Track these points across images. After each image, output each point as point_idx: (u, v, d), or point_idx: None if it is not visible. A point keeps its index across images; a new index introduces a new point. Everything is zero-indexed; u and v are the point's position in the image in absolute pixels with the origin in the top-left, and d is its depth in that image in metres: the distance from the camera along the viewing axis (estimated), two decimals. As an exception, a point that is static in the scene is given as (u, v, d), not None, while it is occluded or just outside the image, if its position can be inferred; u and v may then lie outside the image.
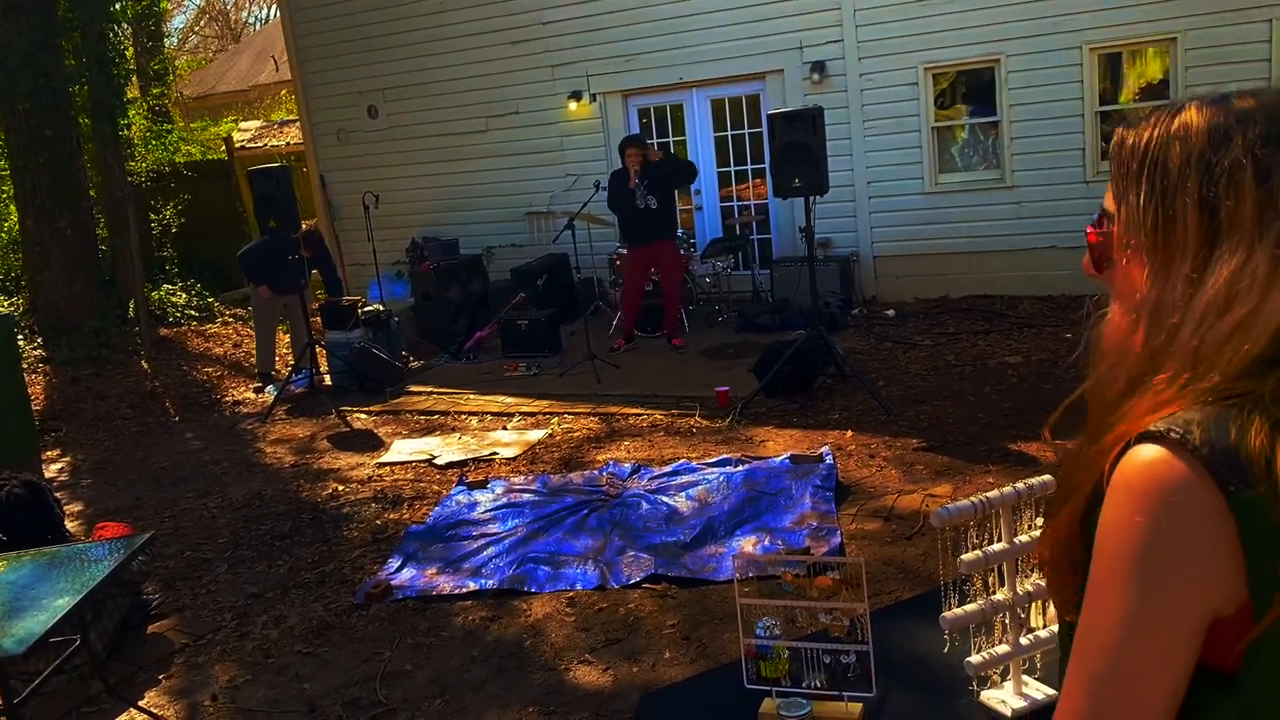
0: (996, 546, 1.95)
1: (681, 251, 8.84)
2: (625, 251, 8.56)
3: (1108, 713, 0.88)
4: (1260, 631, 0.83)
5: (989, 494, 1.94)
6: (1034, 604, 2.01)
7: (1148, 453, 0.86)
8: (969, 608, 1.94)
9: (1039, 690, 1.95)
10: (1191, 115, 0.92)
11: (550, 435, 6.54)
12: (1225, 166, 0.88)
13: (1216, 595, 0.85)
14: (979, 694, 1.96)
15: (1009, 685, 1.96)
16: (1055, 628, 1.98)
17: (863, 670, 2.02)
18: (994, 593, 1.97)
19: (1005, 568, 1.96)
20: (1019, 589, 1.96)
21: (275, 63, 19.97)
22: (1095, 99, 8.51)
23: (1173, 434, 0.85)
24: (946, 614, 1.94)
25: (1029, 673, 1.99)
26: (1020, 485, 1.95)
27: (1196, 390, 0.87)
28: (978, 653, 1.94)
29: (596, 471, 5.65)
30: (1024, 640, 1.96)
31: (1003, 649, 1.95)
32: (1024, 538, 1.98)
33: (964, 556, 1.92)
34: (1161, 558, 0.85)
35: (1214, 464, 0.83)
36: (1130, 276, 0.96)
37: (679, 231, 9.41)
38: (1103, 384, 0.97)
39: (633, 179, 8.00)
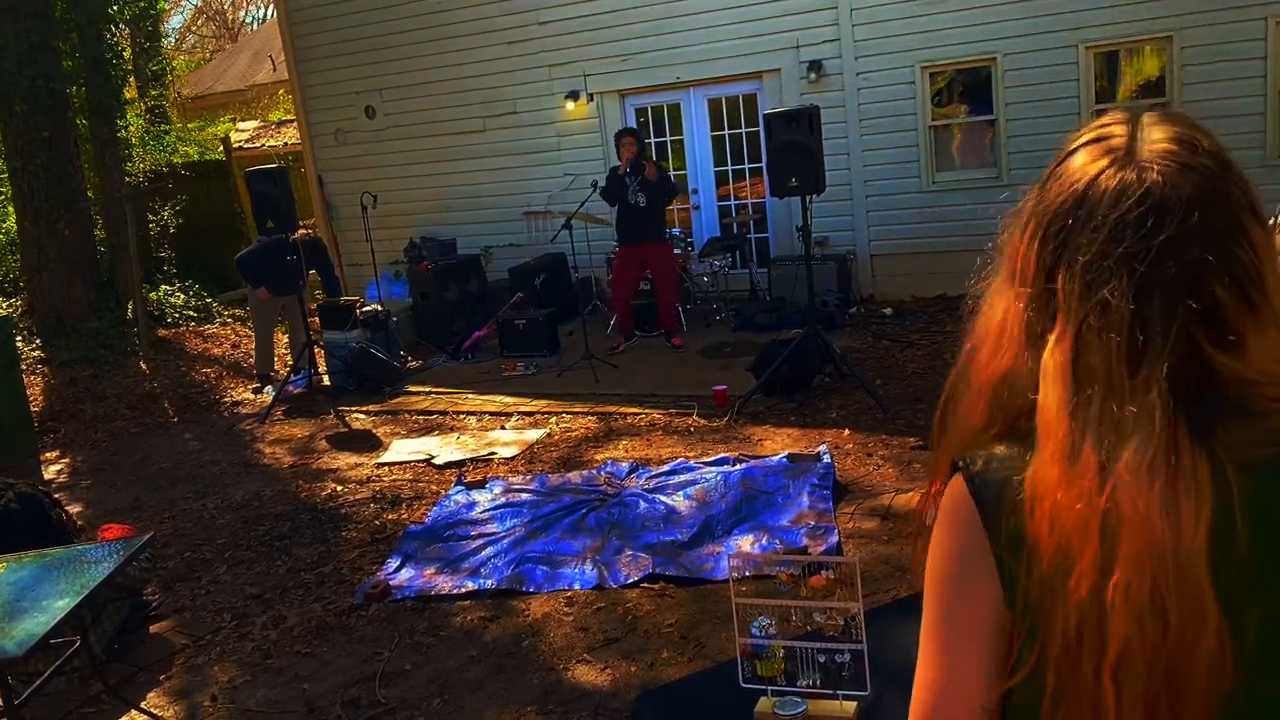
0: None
1: (676, 251, 8.83)
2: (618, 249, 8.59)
3: (939, 704, 0.92)
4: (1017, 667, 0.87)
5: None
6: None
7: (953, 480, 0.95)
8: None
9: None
10: (1087, 166, 0.93)
11: (548, 435, 6.55)
12: (1054, 230, 0.94)
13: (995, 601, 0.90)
14: (973, 692, 1.97)
15: (1002, 683, 1.97)
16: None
17: (857, 669, 2.03)
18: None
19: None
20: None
21: (273, 62, 19.94)
22: (1092, 97, 8.51)
23: (961, 463, 0.94)
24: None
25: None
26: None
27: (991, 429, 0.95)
28: (971, 651, 1.95)
29: (594, 471, 5.66)
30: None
31: (996, 648, 1.96)
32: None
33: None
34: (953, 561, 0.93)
35: (980, 490, 0.90)
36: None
37: (675, 230, 9.44)
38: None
39: (623, 166, 8.03)
